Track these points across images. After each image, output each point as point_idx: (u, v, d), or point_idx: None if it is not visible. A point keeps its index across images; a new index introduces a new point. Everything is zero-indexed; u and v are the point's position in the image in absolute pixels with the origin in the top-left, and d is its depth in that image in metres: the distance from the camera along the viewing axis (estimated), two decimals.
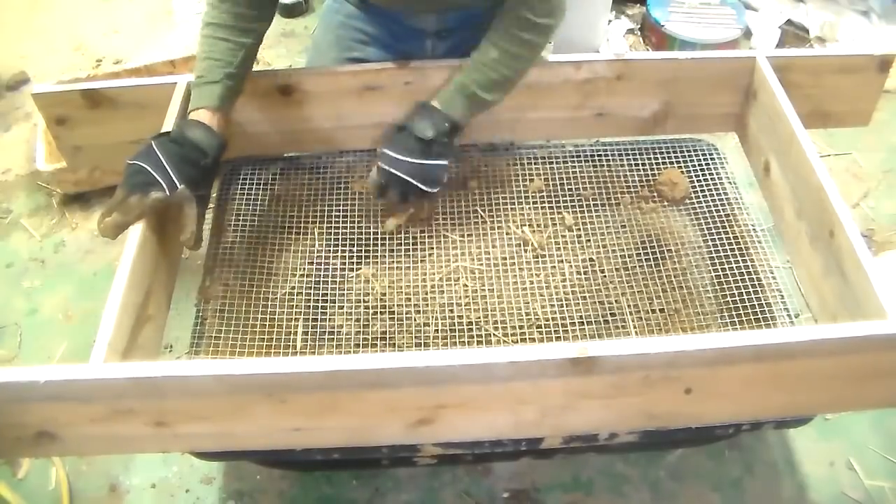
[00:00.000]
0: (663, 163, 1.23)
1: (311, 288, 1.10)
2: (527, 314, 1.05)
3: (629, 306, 1.07)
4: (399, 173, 1.00)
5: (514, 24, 1.00)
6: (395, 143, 1.01)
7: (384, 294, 1.08)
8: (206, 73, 0.98)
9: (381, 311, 1.07)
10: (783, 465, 1.26)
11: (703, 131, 1.25)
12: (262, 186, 1.19)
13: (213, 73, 0.97)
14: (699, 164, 1.21)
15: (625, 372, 0.76)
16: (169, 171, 0.90)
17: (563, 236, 1.15)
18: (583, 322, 1.04)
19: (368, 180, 1.04)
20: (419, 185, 1.01)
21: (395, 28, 1.17)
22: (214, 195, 1.19)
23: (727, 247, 1.10)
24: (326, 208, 1.18)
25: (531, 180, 1.21)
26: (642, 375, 0.76)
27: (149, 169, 0.89)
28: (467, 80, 1.01)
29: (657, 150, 1.24)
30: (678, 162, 1.22)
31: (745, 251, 1.09)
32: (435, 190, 1.03)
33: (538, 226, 1.16)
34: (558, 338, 1.03)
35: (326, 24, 1.25)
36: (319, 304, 1.08)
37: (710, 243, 1.12)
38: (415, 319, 1.05)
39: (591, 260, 1.12)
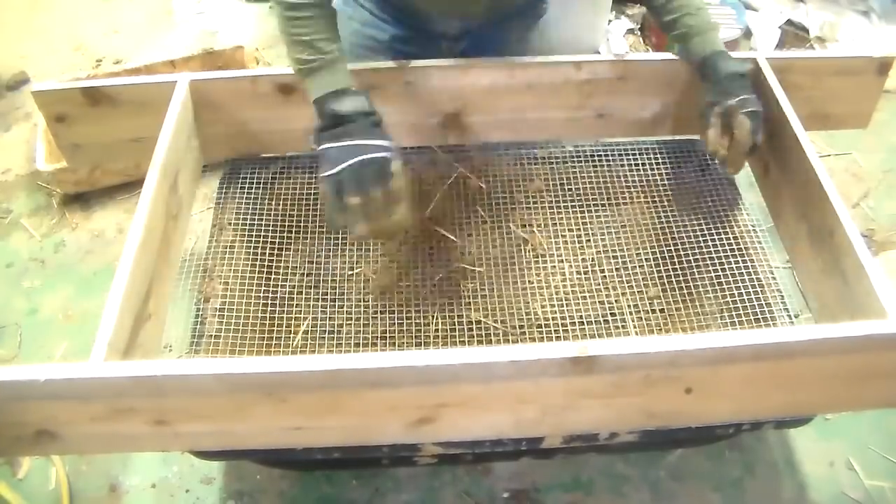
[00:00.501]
0: (663, 163, 1.23)
1: (310, 287, 1.10)
2: (527, 314, 1.06)
3: (629, 306, 1.07)
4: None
5: None
6: (745, 87, 1.01)
7: (384, 294, 1.08)
8: (322, 54, 0.90)
9: (381, 311, 1.07)
10: (783, 465, 1.26)
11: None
12: (262, 186, 1.19)
13: (331, 52, 0.91)
14: (699, 165, 1.22)
15: (625, 371, 0.76)
16: (376, 143, 0.85)
17: (563, 236, 1.15)
18: (583, 322, 1.05)
19: (743, 132, 0.98)
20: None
21: (412, 32, 1.16)
22: (214, 195, 1.19)
23: (727, 247, 1.10)
24: None
25: (531, 180, 1.21)
26: (642, 375, 0.76)
27: (366, 157, 0.84)
28: (708, 21, 1.04)
29: (657, 151, 1.24)
30: (678, 162, 1.22)
31: (745, 251, 1.09)
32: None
33: (538, 226, 1.16)
34: (558, 337, 1.03)
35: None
36: (319, 304, 1.08)
37: (710, 243, 1.12)
38: (415, 319, 1.06)
39: (591, 260, 1.12)
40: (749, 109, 0.99)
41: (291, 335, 1.05)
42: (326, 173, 0.85)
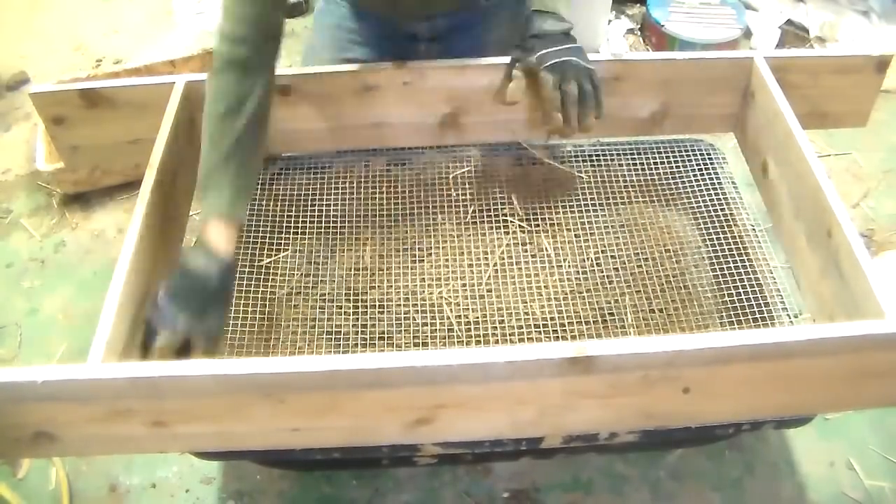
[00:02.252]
0: (663, 163, 1.23)
1: (310, 288, 1.10)
2: (525, 314, 1.05)
3: (628, 306, 1.07)
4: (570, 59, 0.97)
5: None
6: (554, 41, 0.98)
7: (384, 294, 1.08)
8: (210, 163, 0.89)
9: (380, 311, 1.07)
10: (783, 465, 1.26)
11: (702, 131, 1.25)
12: (261, 186, 1.19)
13: (219, 169, 0.88)
14: (698, 165, 1.21)
15: (623, 371, 0.76)
16: (172, 318, 0.83)
17: (563, 236, 1.15)
18: (581, 322, 1.04)
19: (546, 89, 0.97)
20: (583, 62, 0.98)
21: (389, 32, 1.17)
22: None
23: (727, 247, 1.10)
24: (326, 208, 1.18)
25: (530, 180, 1.21)
26: (641, 375, 0.76)
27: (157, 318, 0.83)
28: None
29: (656, 150, 1.24)
30: (677, 162, 1.22)
31: (744, 251, 1.09)
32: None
33: (537, 226, 1.16)
34: (557, 337, 1.03)
35: (320, 25, 1.25)
36: (319, 304, 1.08)
37: (709, 243, 1.12)
38: (414, 319, 1.06)
39: (590, 260, 1.12)
40: (551, 63, 0.96)
41: (291, 336, 1.05)
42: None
